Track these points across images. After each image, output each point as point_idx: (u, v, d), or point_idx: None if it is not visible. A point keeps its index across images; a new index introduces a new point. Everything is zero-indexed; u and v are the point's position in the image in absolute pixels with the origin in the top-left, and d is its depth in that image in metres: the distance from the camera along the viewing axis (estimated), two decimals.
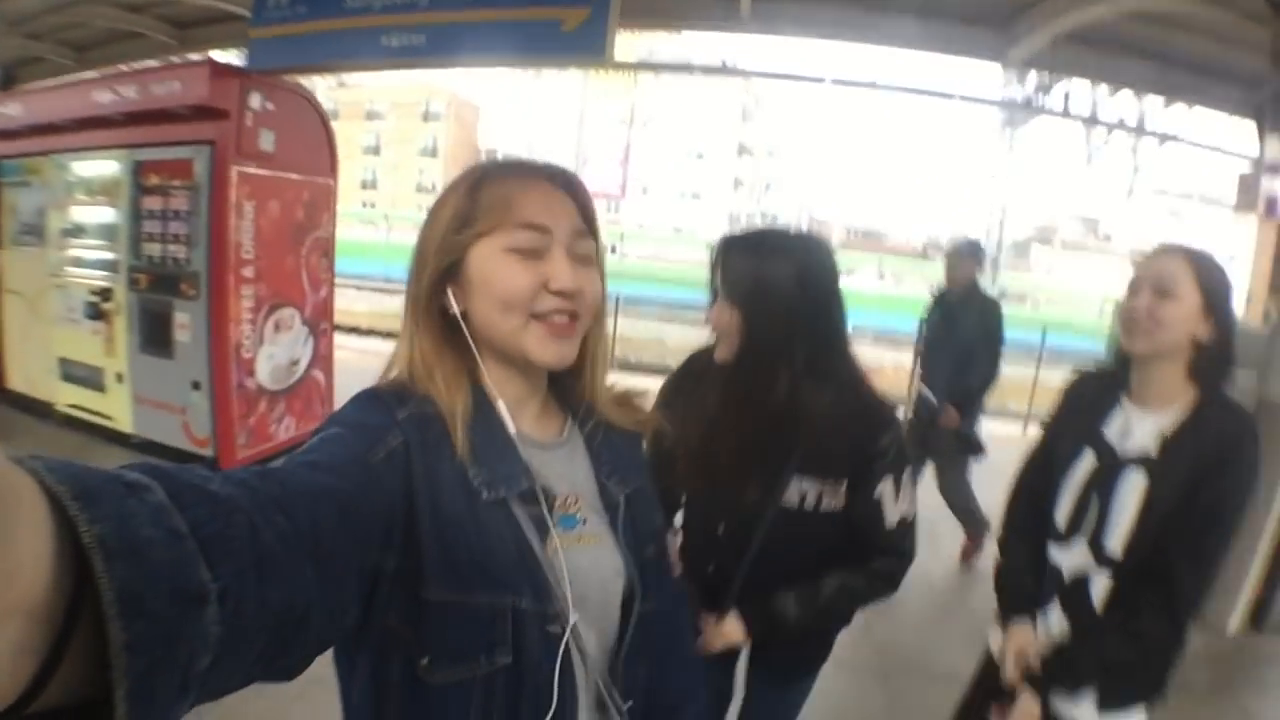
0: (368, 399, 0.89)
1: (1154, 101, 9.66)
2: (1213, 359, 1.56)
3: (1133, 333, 1.57)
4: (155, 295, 4.75)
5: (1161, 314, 1.52)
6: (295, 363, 5.12)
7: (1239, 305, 5.74)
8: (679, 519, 1.81)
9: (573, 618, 0.89)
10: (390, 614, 0.80)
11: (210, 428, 4.69)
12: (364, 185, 54.77)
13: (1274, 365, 4.41)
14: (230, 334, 4.49)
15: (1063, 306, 33.60)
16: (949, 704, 2.02)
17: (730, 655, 1.78)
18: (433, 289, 0.93)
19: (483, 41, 4.40)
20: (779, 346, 1.52)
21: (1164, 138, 10.24)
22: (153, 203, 4.68)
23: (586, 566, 0.95)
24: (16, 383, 6.07)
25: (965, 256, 4.65)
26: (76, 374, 5.43)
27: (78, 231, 5.34)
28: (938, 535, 4.59)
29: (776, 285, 1.52)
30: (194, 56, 6.22)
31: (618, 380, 1.13)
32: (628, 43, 5.78)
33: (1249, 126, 6.85)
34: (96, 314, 5.11)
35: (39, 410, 5.77)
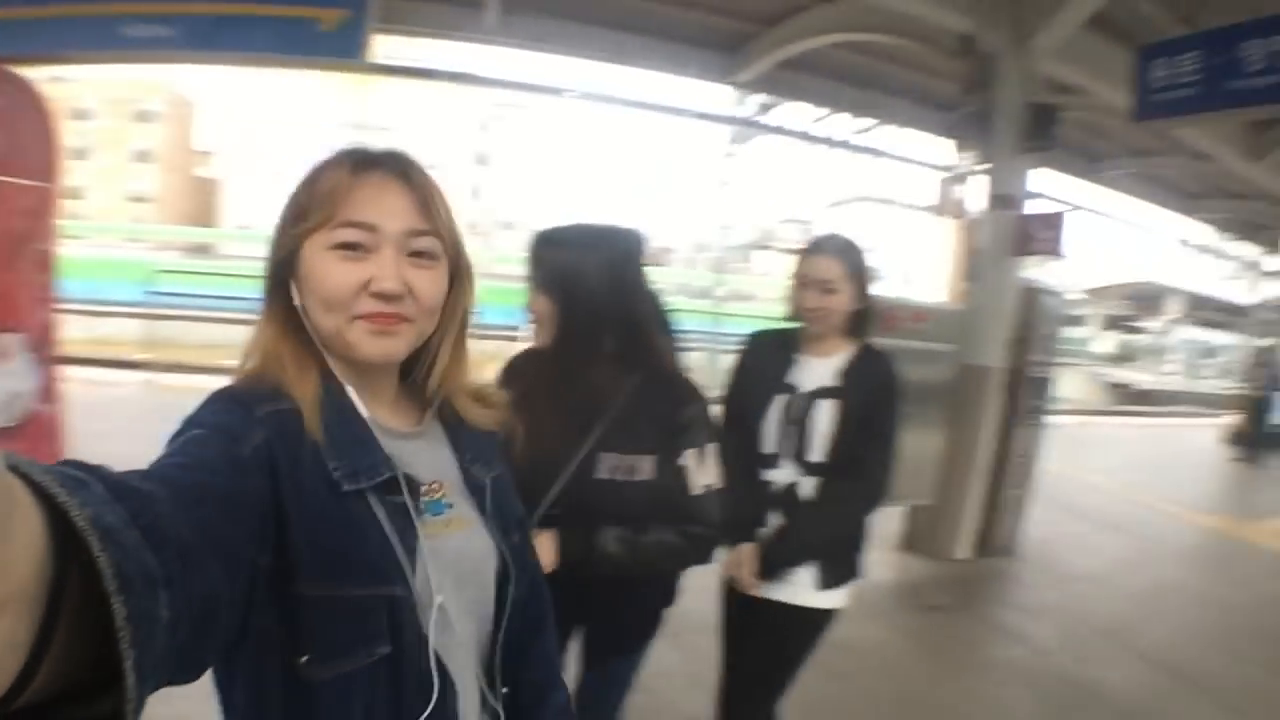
0: (225, 398, 0.86)
1: (863, 122, 10.70)
2: (863, 319, 2.14)
3: (810, 320, 2.13)
4: None
5: (829, 306, 2.08)
6: (19, 396, 4.47)
7: (940, 291, 6.61)
8: None
9: (438, 600, 0.88)
10: (266, 613, 0.78)
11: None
12: (71, 195, 46.78)
13: (969, 338, 5.23)
14: None
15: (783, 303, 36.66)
16: None
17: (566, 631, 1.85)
18: (274, 281, 0.92)
19: (235, 37, 4.11)
20: (590, 333, 1.65)
21: (871, 152, 11.43)
22: None
23: (459, 550, 0.96)
24: None
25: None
26: None
27: None
28: None
29: (585, 275, 1.64)
30: None
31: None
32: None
33: (946, 144, 7.77)
34: None
35: None
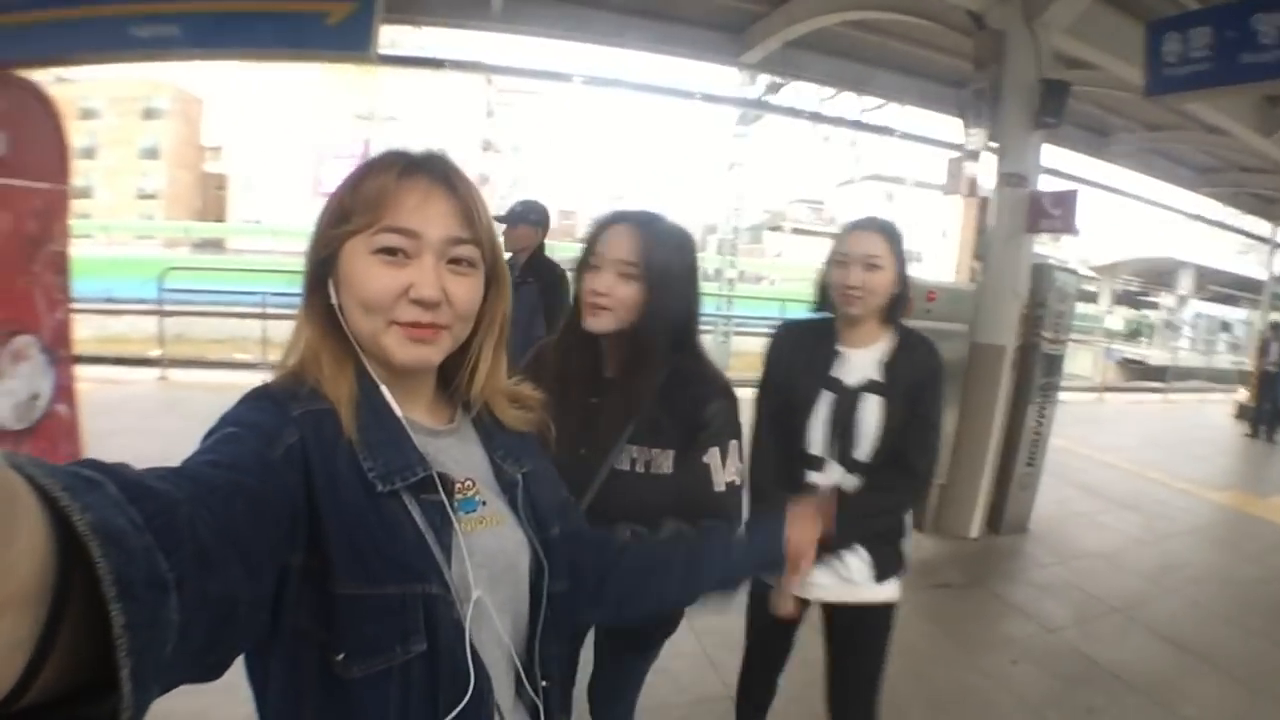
0: (260, 397, 0.88)
1: (872, 100, 10.63)
2: (899, 304, 2.03)
3: (851, 302, 1.98)
4: None
5: (873, 284, 1.96)
6: (36, 397, 4.50)
7: (950, 270, 6.58)
8: None
9: (475, 595, 0.90)
10: (300, 613, 0.80)
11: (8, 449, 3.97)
12: (79, 194, 46.49)
13: (980, 316, 5.22)
14: None
15: (795, 284, 36.45)
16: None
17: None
18: (314, 279, 0.93)
19: (242, 33, 4.12)
20: (673, 329, 1.64)
21: (880, 131, 11.37)
22: None
23: (492, 548, 0.96)
24: None
25: (518, 220, 4.19)
26: None
27: None
28: None
29: (681, 267, 1.63)
30: None
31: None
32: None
33: (955, 121, 7.71)
34: None
35: None
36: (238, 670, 0.80)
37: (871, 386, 1.99)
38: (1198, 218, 14.97)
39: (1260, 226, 15.32)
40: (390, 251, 0.88)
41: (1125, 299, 28.13)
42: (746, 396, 1.91)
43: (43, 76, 4.44)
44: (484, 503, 0.99)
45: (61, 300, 4.73)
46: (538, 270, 4.09)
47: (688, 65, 9.46)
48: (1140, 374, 19.14)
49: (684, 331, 1.68)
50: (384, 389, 0.92)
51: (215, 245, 36.23)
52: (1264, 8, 4.29)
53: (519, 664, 1.00)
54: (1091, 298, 26.47)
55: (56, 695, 0.42)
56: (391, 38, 7.72)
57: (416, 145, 0.97)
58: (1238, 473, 8.74)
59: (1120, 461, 7.99)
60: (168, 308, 9.37)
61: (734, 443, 1.68)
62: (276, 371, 0.94)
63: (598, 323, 1.60)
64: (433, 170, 0.93)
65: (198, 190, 52.27)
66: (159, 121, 49.55)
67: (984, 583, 4.64)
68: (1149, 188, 12.60)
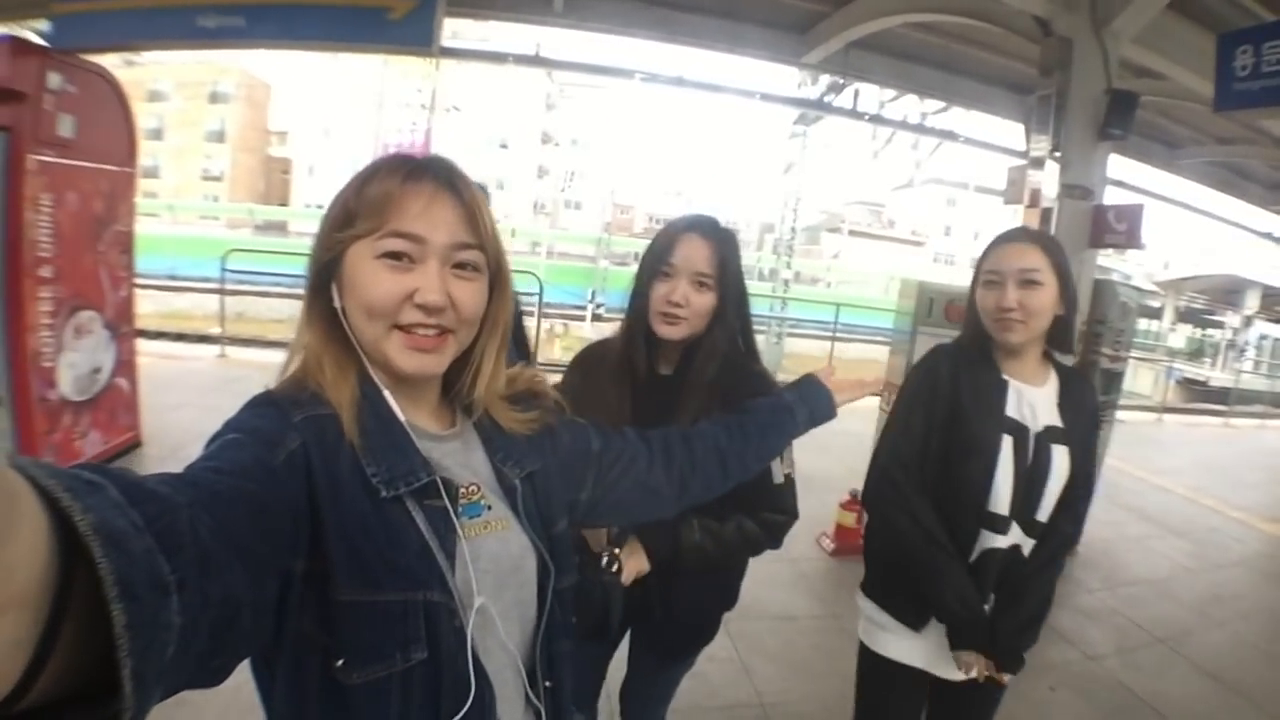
0: (262, 403, 0.88)
1: (934, 104, 10.47)
2: (1065, 328, 1.76)
3: (1010, 328, 1.69)
4: None
5: (1033, 305, 1.67)
6: (98, 370, 4.66)
7: None
8: None
9: (478, 602, 0.89)
10: (303, 618, 0.80)
11: (12, 448, 4.14)
12: (145, 173, 47.73)
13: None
14: (29, 343, 4.01)
15: (852, 287, 36.08)
16: (786, 641, 2.15)
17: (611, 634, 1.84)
18: (316, 282, 0.93)
19: (306, 26, 4.20)
20: (733, 330, 1.68)
21: (943, 135, 11.19)
22: None
23: (497, 552, 0.96)
24: None
25: None
26: None
27: None
28: None
29: (741, 273, 1.67)
30: None
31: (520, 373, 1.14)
32: None
33: (1018, 128, 7.56)
34: None
35: None
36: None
37: (1057, 434, 1.71)
38: (1267, 236, 14.48)
39: None
40: (395, 256, 0.89)
41: (1189, 316, 27.34)
42: None
43: (110, 61, 4.59)
44: (489, 507, 0.99)
45: (125, 278, 4.90)
46: None
47: (748, 64, 9.42)
48: (1201, 395, 18.60)
49: (743, 333, 1.73)
50: (387, 394, 0.92)
51: (278, 228, 36.99)
52: None
53: (524, 669, 0.99)
54: (1154, 314, 25.79)
55: (58, 697, 0.43)
56: (454, 29, 7.80)
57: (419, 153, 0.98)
58: None
59: (1175, 486, 7.77)
60: (229, 287, 9.60)
61: None
62: (280, 376, 0.94)
63: (674, 332, 1.63)
64: (437, 174, 0.93)
65: (261, 174, 53.42)
66: (225, 105, 50.72)
67: None
68: (1217, 203, 12.22)
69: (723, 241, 1.62)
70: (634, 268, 1.74)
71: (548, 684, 1.02)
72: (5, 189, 3.91)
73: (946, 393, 1.76)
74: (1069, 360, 1.90)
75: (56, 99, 4.04)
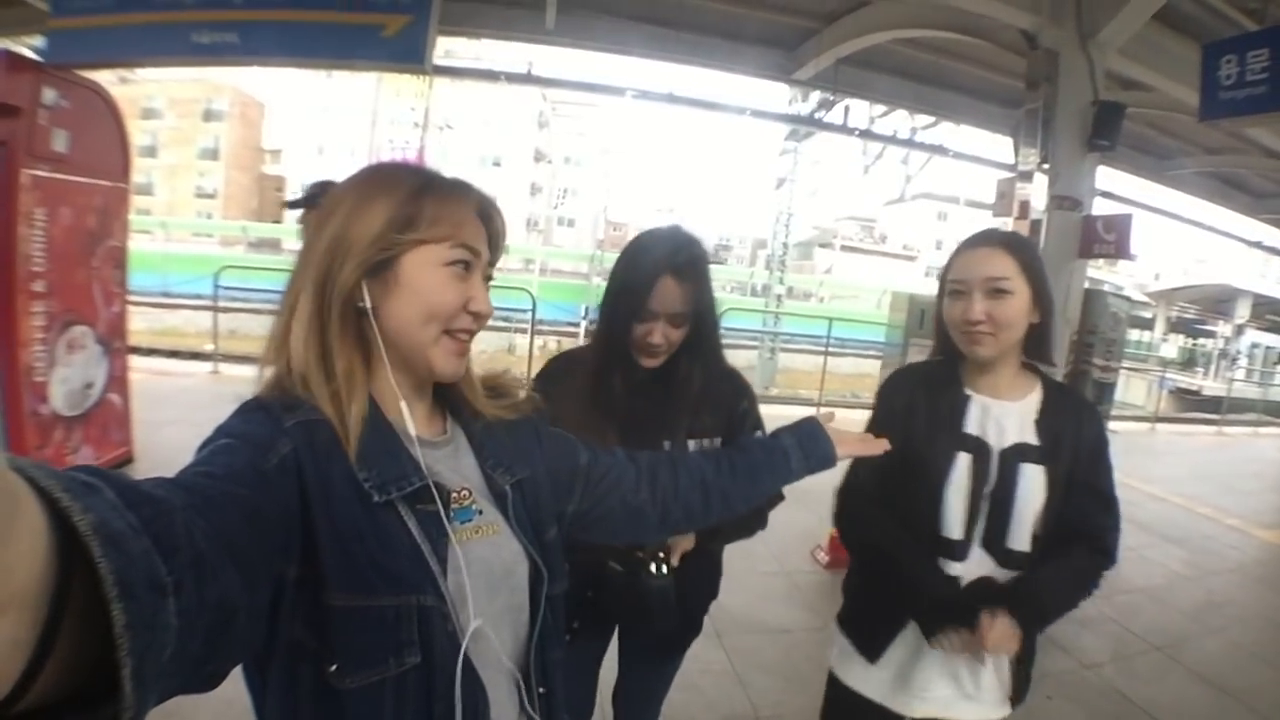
0: (253, 409, 0.88)
1: (923, 119, 10.54)
2: (1043, 336, 1.60)
3: (977, 341, 1.54)
4: None
5: (1002, 315, 1.51)
6: (90, 386, 4.64)
7: None
8: None
9: (473, 611, 0.89)
10: (295, 624, 0.80)
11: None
12: (139, 190, 48.46)
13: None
14: (21, 358, 4.00)
15: (844, 302, 36.20)
16: (781, 654, 2.11)
17: (603, 639, 1.93)
18: (355, 281, 0.91)
19: (300, 43, 4.22)
20: (710, 342, 1.74)
21: (933, 150, 11.26)
22: None
23: (489, 557, 0.96)
24: None
25: (308, 203, 3.97)
26: None
27: None
28: None
29: (710, 300, 1.70)
30: None
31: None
32: None
33: (1007, 142, 7.61)
34: None
35: None
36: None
37: (1028, 452, 1.54)
38: (1257, 244, 14.57)
39: None
40: (463, 265, 0.95)
41: (1180, 326, 27.47)
42: (785, 414, 1.86)
43: (105, 77, 4.60)
44: (480, 512, 0.99)
45: (118, 293, 4.89)
46: None
47: (739, 81, 9.49)
48: (1194, 404, 18.66)
49: (713, 339, 1.77)
50: (404, 404, 0.95)
51: (271, 245, 36.95)
52: None
53: (518, 675, 1.00)
54: (1146, 324, 25.91)
55: (57, 698, 0.42)
56: (447, 48, 7.85)
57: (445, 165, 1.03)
58: None
59: (1169, 494, 7.78)
60: (222, 304, 9.58)
61: (763, 428, 1.78)
62: (262, 366, 0.94)
63: (655, 363, 1.69)
64: (479, 201, 1.01)
65: (255, 191, 53.50)
66: (219, 123, 50.88)
67: None
68: (1207, 213, 12.30)
69: (696, 275, 1.65)
70: None
71: (541, 690, 1.02)
72: None
73: (900, 413, 1.65)
74: (1058, 373, 1.82)
75: (51, 114, 4.05)
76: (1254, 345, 25.28)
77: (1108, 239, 5.35)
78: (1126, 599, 4.83)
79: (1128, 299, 6.05)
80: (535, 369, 1.82)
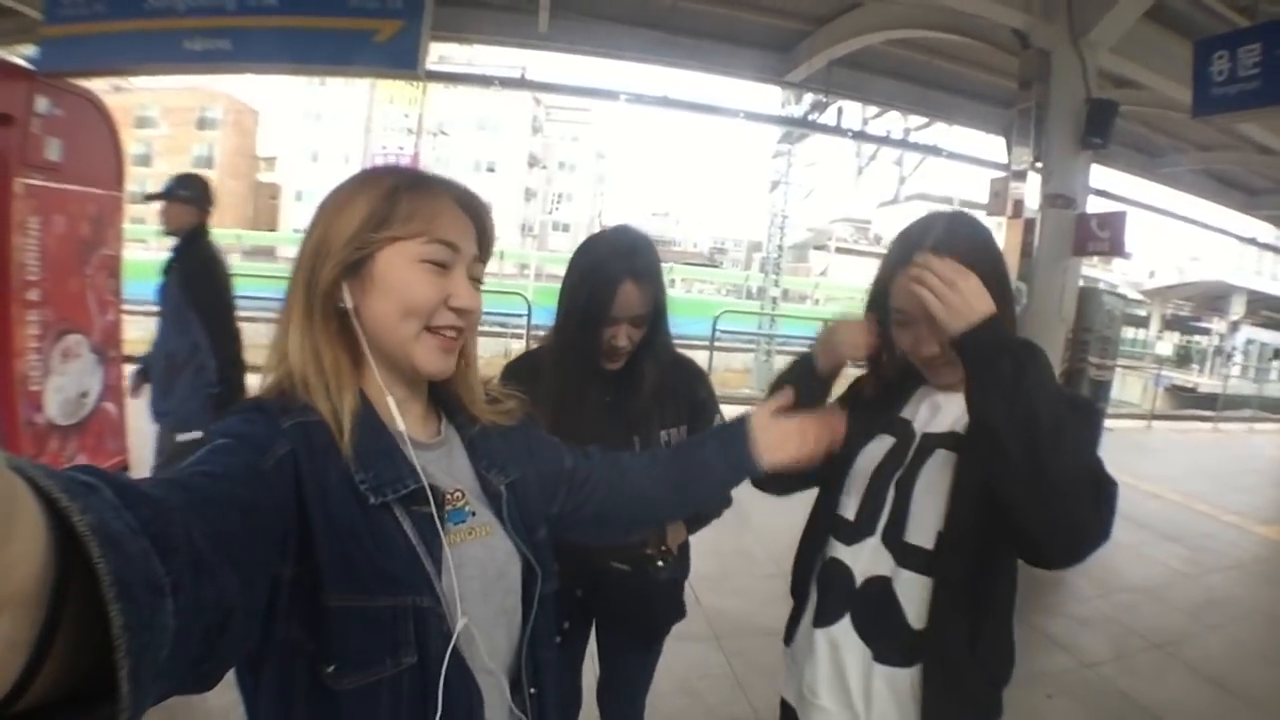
0: (251, 409, 0.89)
1: (917, 120, 10.56)
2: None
3: (938, 372, 1.36)
4: None
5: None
6: (85, 395, 4.62)
7: None
8: None
9: (462, 612, 0.90)
10: (291, 624, 0.81)
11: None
12: (133, 200, 47.25)
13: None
14: (15, 367, 3.98)
15: (840, 304, 36.22)
16: (781, 657, 2.12)
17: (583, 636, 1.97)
18: (333, 282, 0.93)
19: (292, 49, 4.22)
20: (653, 343, 1.78)
21: (926, 150, 11.28)
22: None
23: (482, 558, 0.97)
24: None
25: (168, 196, 3.73)
26: None
27: None
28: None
29: (664, 296, 1.76)
30: None
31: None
32: None
33: (1000, 142, 7.64)
34: None
35: None
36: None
37: (947, 440, 1.33)
38: (1251, 241, 14.62)
39: None
40: (438, 262, 0.94)
41: (1175, 323, 27.53)
42: None
43: (99, 86, 4.60)
44: (473, 513, 1.00)
45: (113, 302, 4.87)
46: (183, 256, 3.63)
47: (732, 84, 9.51)
48: (1190, 401, 18.69)
49: (666, 332, 1.83)
50: (391, 400, 0.94)
51: (266, 253, 36.90)
52: None
53: (509, 676, 1.00)
54: (1140, 322, 25.96)
55: (54, 699, 0.43)
56: (440, 54, 7.84)
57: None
58: None
59: (1166, 492, 7.79)
60: None
61: (720, 413, 1.88)
62: (263, 375, 0.96)
63: (617, 365, 1.76)
64: (460, 196, 1.00)
65: (249, 199, 53.44)
66: (213, 131, 50.84)
67: (1022, 615, 4.51)
68: (1200, 210, 12.34)
69: (653, 276, 1.71)
70: None
71: (532, 691, 1.03)
72: None
73: (853, 395, 1.55)
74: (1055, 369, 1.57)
75: (44, 122, 4.02)
76: (1249, 341, 25.32)
77: (1102, 236, 5.37)
78: (1125, 597, 4.83)
79: (1123, 297, 6.08)
80: None
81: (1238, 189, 11.66)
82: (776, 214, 16.59)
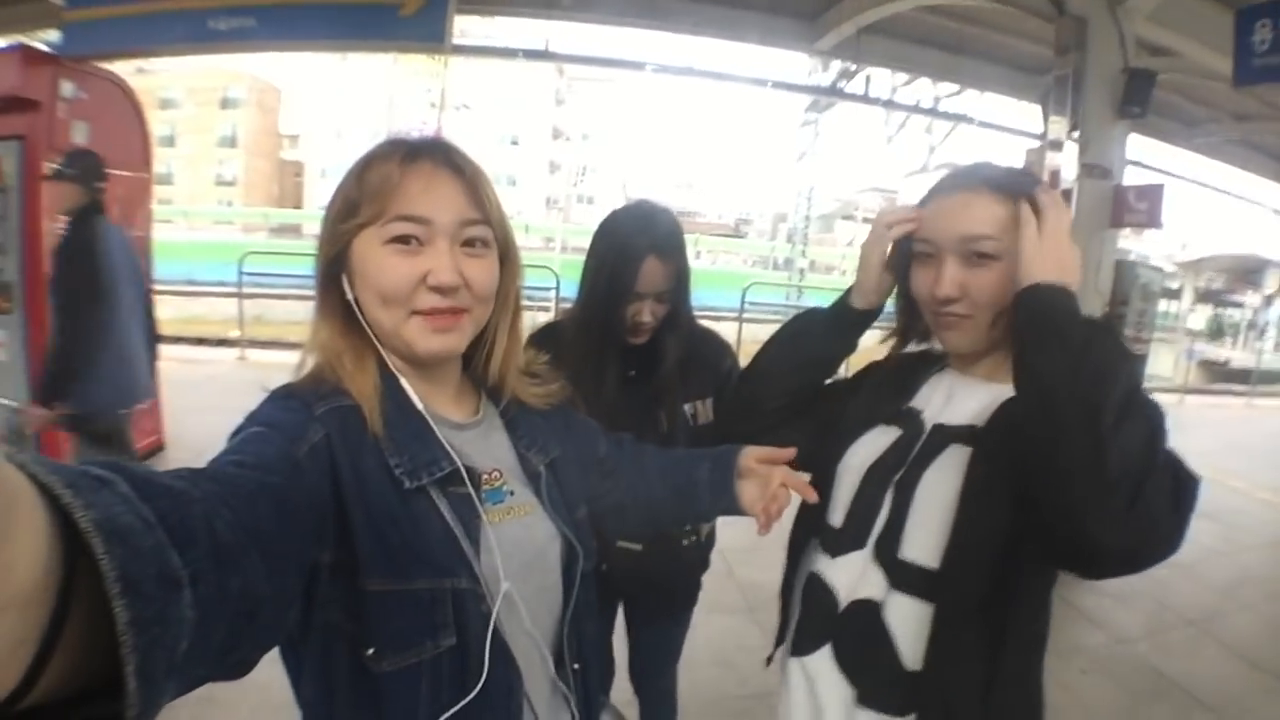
0: (284, 396, 0.88)
1: (947, 87, 10.37)
2: None
3: (948, 325, 1.11)
4: None
5: (982, 290, 1.06)
6: None
7: None
8: None
9: (504, 588, 0.89)
10: (331, 608, 0.81)
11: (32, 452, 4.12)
12: (159, 180, 47.67)
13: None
14: (48, 348, 3.99)
15: None
16: None
17: (611, 601, 1.97)
18: (326, 276, 0.93)
19: (318, 25, 4.21)
20: (676, 317, 1.75)
21: (956, 119, 11.10)
22: None
23: (521, 538, 0.96)
24: None
25: (57, 175, 3.25)
26: None
27: None
28: None
29: (687, 270, 1.74)
30: None
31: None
32: None
33: (1031, 110, 7.49)
34: None
35: None
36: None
37: (962, 434, 1.07)
38: None
39: None
40: (403, 240, 0.88)
41: (1209, 297, 27.03)
42: None
43: (122, 68, 4.61)
44: (511, 492, 0.99)
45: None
46: (70, 235, 3.10)
47: (758, 52, 9.40)
48: (1223, 376, 18.37)
49: (688, 305, 1.81)
50: (405, 383, 0.93)
51: (293, 231, 37.18)
52: None
53: (552, 652, 1.00)
54: (1174, 295, 25.54)
55: (65, 696, 0.42)
56: (461, 27, 7.81)
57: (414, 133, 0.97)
58: None
59: (1201, 468, 7.49)
60: (246, 290, 9.64)
61: None
62: (297, 372, 0.94)
63: (642, 339, 1.73)
64: (434, 153, 0.92)
65: (275, 177, 53.85)
66: (236, 111, 51.13)
67: (1056, 589, 4.52)
68: (1235, 180, 12.07)
69: (676, 250, 1.69)
70: None
71: (575, 666, 1.03)
72: (22, 196, 3.94)
73: (855, 388, 1.34)
74: None
75: (70, 106, 4.06)
76: None
77: (1139, 209, 5.28)
78: (1159, 574, 4.75)
79: (1159, 270, 5.95)
80: None
81: (1274, 159, 11.39)
82: (803, 184, 16.43)
